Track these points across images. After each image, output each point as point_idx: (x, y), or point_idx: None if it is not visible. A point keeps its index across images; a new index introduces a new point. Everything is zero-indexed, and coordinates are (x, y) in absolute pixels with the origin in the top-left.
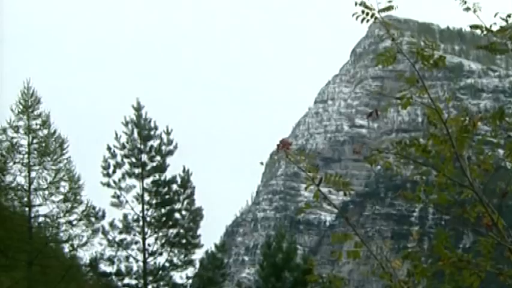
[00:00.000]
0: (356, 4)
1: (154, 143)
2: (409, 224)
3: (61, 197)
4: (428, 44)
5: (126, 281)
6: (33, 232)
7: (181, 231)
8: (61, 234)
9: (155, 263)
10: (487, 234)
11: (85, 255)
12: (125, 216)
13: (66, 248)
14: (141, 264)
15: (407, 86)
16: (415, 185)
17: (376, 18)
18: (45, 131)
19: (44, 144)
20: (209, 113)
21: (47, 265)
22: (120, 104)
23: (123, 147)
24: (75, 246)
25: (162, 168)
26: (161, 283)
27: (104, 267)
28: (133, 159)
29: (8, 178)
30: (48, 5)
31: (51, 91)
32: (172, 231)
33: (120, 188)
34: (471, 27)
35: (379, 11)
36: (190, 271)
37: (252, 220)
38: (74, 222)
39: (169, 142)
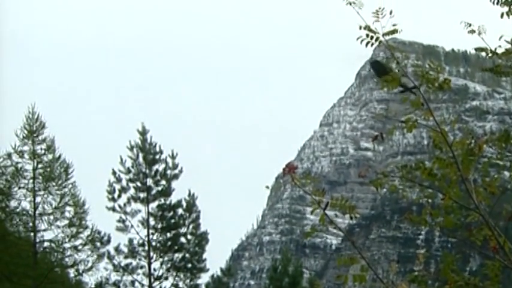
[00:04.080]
0: (360, 28)
1: (160, 167)
2: (415, 247)
3: (66, 222)
4: (433, 67)
5: None
6: (39, 257)
7: (187, 255)
8: (66, 259)
9: (161, 287)
10: (494, 257)
11: (90, 280)
12: (130, 240)
13: (72, 273)
14: None
15: (412, 108)
16: (421, 208)
17: (380, 41)
18: (50, 156)
19: (48, 169)
20: (214, 137)
21: None
22: (125, 129)
23: (128, 171)
24: (81, 271)
25: (167, 192)
26: None
27: None
28: (139, 184)
29: (13, 203)
30: (52, 27)
31: (55, 116)
32: (178, 255)
33: (125, 213)
34: (476, 49)
35: (384, 34)
36: None
37: (258, 244)
38: (79, 247)
39: (175, 166)
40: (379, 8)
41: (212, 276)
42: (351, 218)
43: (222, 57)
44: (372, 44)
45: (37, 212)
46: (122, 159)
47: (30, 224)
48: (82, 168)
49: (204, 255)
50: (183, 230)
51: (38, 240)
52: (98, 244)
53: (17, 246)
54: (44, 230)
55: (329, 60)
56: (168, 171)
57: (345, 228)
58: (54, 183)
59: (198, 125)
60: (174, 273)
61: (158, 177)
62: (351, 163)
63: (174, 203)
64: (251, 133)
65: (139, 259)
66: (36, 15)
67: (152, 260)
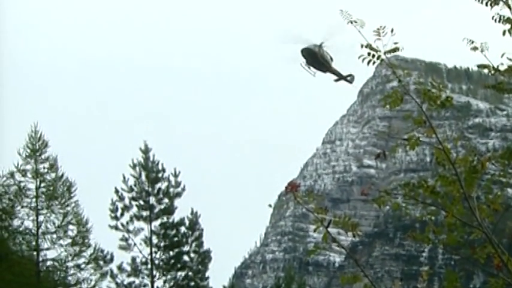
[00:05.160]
0: (362, 46)
1: (162, 185)
2: (419, 264)
3: (69, 240)
4: (436, 84)
5: None
6: (42, 276)
7: (190, 273)
8: (69, 278)
9: None
10: (498, 274)
11: None
12: (133, 259)
13: None
14: None
15: (415, 126)
16: (424, 226)
17: (382, 60)
18: (53, 175)
19: (51, 188)
20: (217, 155)
21: None
22: (127, 147)
23: (131, 190)
24: None
25: (170, 210)
26: None
27: None
28: (141, 202)
29: (16, 222)
30: (55, 46)
31: (58, 135)
32: (181, 273)
33: (128, 231)
34: (479, 66)
35: (385, 52)
36: None
37: (261, 262)
38: (82, 266)
39: (177, 184)
40: (381, 26)
41: None
42: (354, 236)
43: (225, 75)
44: (374, 63)
45: (40, 230)
46: (124, 178)
47: (33, 243)
48: (85, 187)
49: (207, 274)
50: (186, 248)
51: (41, 259)
52: (101, 263)
53: (20, 265)
54: (47, 249)
55: (331, 78)
56: (171, 190)
57: (348, 246)
58: (57, 202)
59: (201, 143)
60: None
61: (161, 196)
62: (353, 180)
63: (176, 221)
64: (254, 151)
65: (142, 277)
66: (38, 34)
67: (155, 279)
